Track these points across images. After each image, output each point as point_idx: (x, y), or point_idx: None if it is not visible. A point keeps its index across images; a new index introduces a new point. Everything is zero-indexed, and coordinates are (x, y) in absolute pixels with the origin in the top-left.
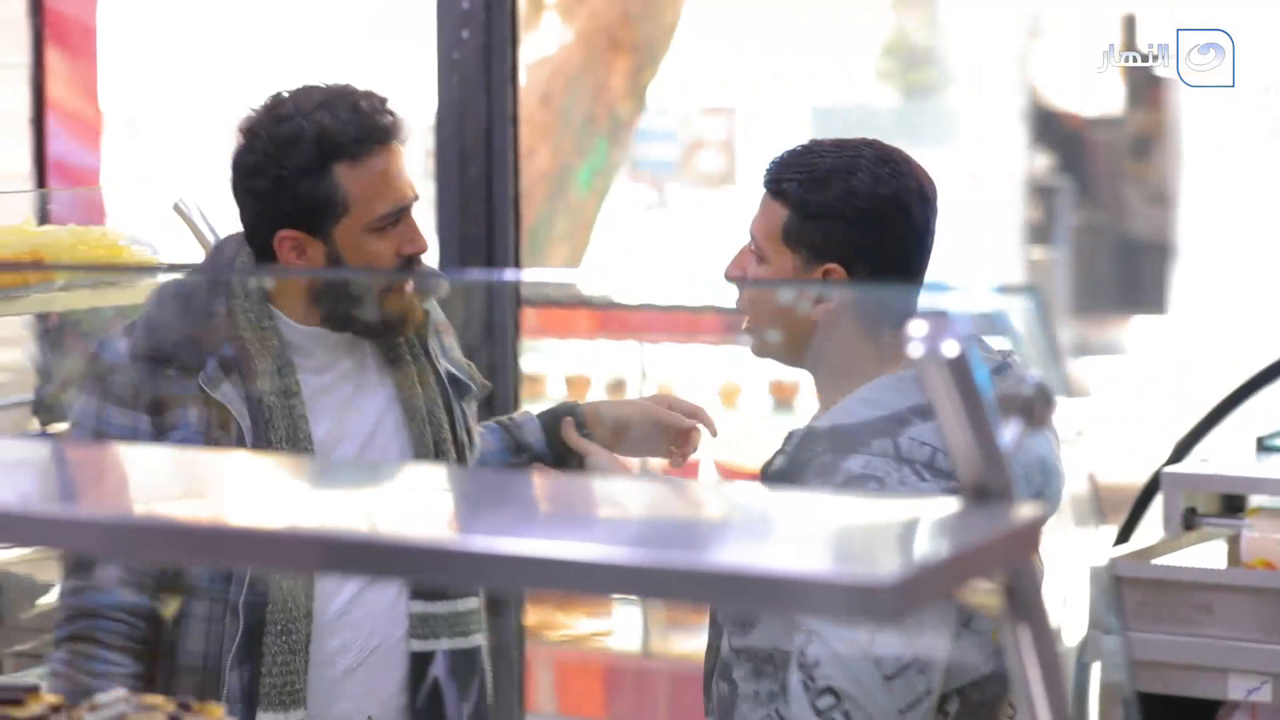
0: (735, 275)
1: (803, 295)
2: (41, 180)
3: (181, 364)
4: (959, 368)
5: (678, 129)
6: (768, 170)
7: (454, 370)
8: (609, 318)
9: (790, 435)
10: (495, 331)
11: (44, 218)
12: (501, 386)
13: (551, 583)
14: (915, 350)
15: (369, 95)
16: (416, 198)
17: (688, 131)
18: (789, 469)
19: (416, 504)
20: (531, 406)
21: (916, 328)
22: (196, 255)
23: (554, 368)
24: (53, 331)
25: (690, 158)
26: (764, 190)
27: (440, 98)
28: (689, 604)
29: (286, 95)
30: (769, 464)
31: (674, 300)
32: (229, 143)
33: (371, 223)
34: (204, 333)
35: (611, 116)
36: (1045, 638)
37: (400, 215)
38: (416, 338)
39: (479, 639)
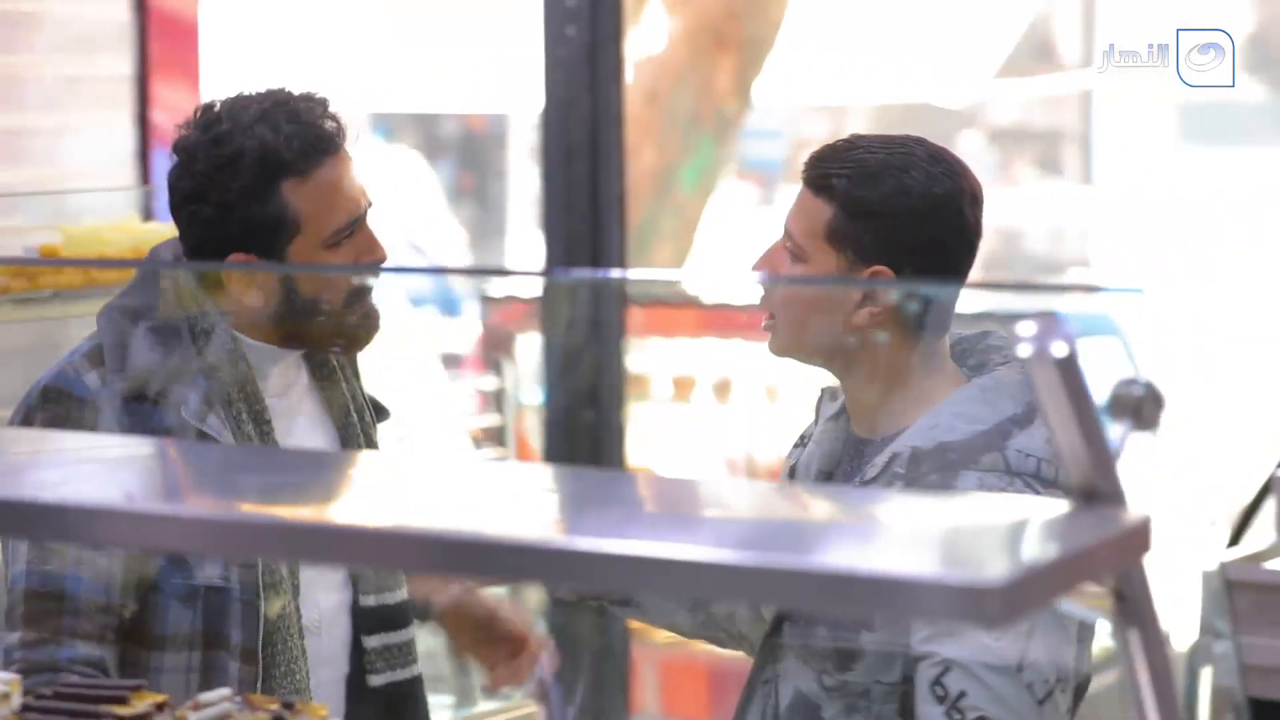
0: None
1: (846, 297)
2: (145, 177)
3: (161, 395)
4: (1068, 368)
5: (784, 127)
6: (808, 165)
7: (373, 394)
8: (715, 316)
9: (895, 456)
10: (601, 330)
11: (148, 215)
12: (607, 386)
13: (660, 585)
14: (1024, 350)
15: (309, 100)
16: (370, 204)
17: (794, 130)
18: (906, 490)
19: (522, 504)
20: (638, 406)
21: (1025, 328)
22: None
23: (660, 367)
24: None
25: (797, 156)
26: (804, 186)
27: (546, 95)
28: (800, 607)
29: (219, 108)
30: (869, 481)
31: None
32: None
33: (327, 238)
34: (178, 360)
35: (717, 114)
36: (1155, 642)
37: (355, 226)
38: (347, 359)
39: (419, 668)
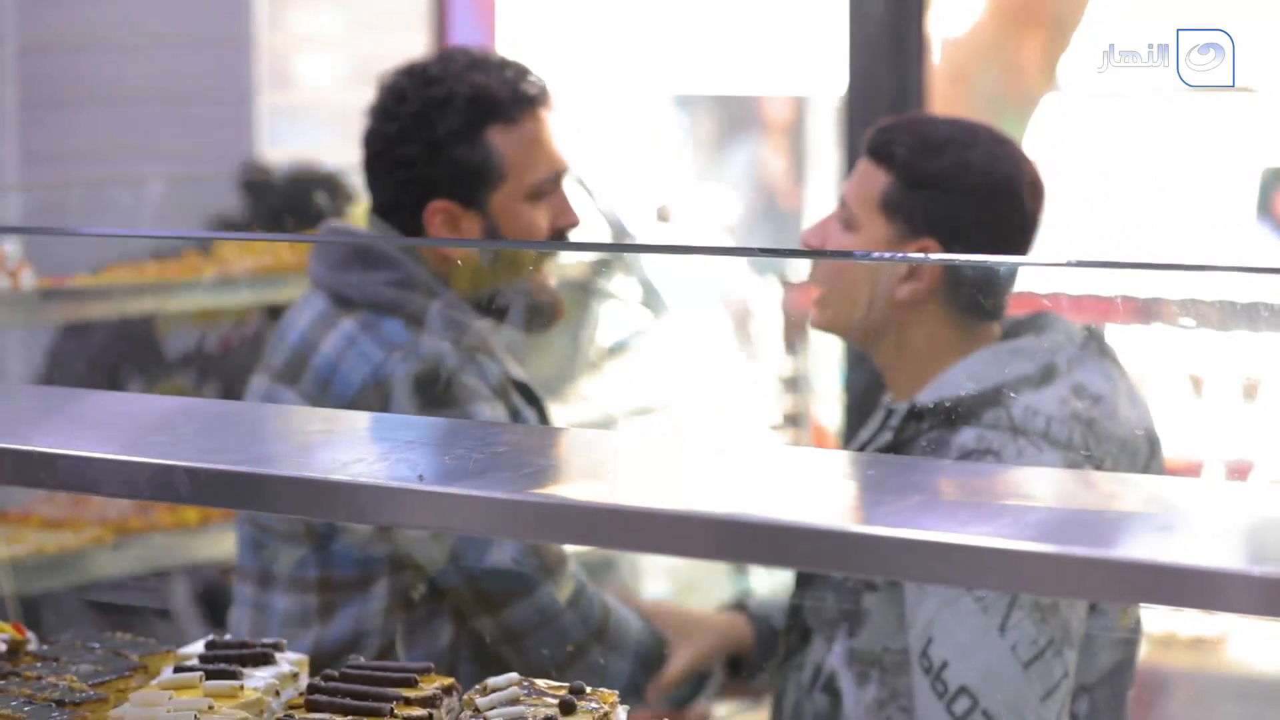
0: (815, 243)
1: (892, 270)
2: None
3: (481, 349)
4: None
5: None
6: (872, 134)
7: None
8: (1019, 300)
9: (891, 412)
10: None
11: None
12: None
13: (960, 574)
14: None
15: (513, 63)
16: (569, 169)
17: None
18: (895, 447)
19: (805, 489)
20: None
21: None
22: (598, 232)
23: None
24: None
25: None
26: (864, 154)
27: (849, 75)
28: (1098, 599)
29: (429, 62)
30: (868, 443)
31: (1085, 289)
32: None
33: (529, 189)
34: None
35: (1023, 95)
36: None
37: (556, 183)
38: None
39: None
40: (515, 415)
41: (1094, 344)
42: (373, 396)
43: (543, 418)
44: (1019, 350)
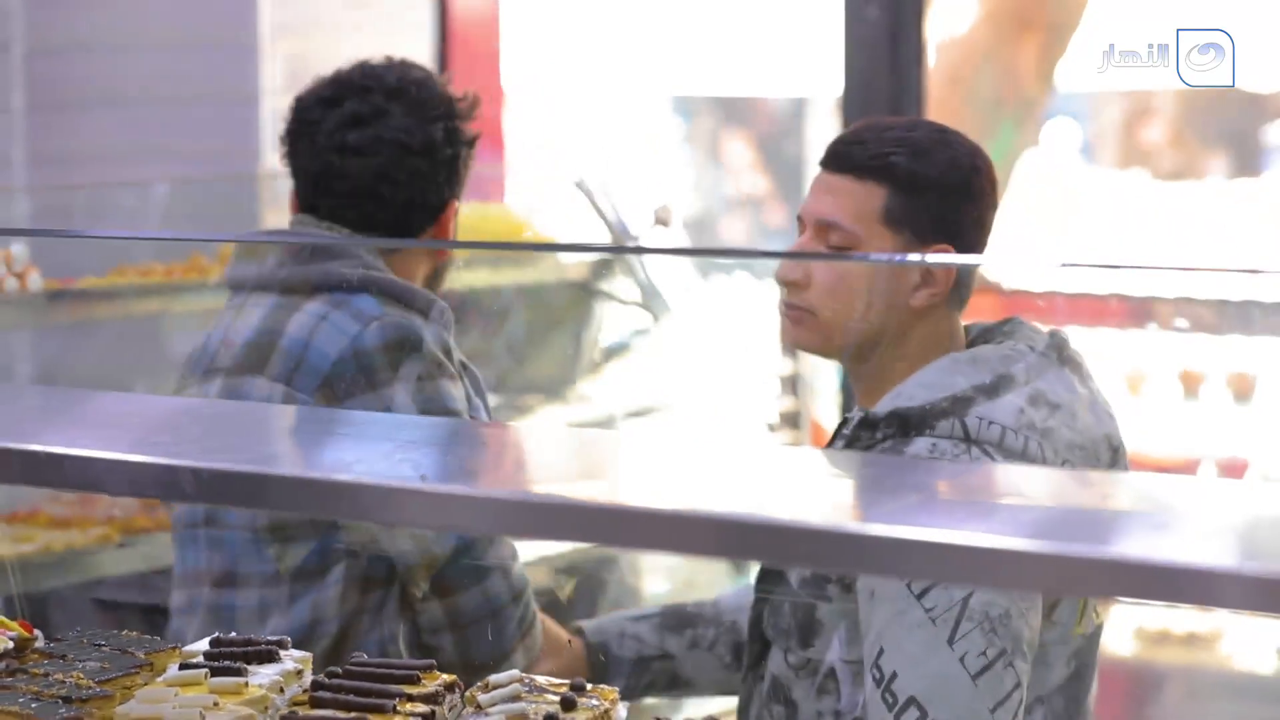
0: (799, 277)
1: (903, 281)
2: None
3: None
4: None
5: (1086, 111)
6: (852, 151)
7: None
8: (1013, 303)
9: (845, 420)
10: None
11: None
12: None
13: (956, 573)
14: None
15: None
16: None
17: (1095, 113)
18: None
19: (804, 488)
20: None
21: None
22: (597, 234)
23: None
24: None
25: (1098, 140)
26: (842, 173)
27: (846, 78)
28: (1097, 597)
29: (421, 70)
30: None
31: (1080, 288)
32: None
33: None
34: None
35: (1019, 98)
36: None
37: None
38: None
39: None
40: (468, 397)
41: (1055, 351)
42: (350, 368)
43: (478, 392)
44: (975, 359)
